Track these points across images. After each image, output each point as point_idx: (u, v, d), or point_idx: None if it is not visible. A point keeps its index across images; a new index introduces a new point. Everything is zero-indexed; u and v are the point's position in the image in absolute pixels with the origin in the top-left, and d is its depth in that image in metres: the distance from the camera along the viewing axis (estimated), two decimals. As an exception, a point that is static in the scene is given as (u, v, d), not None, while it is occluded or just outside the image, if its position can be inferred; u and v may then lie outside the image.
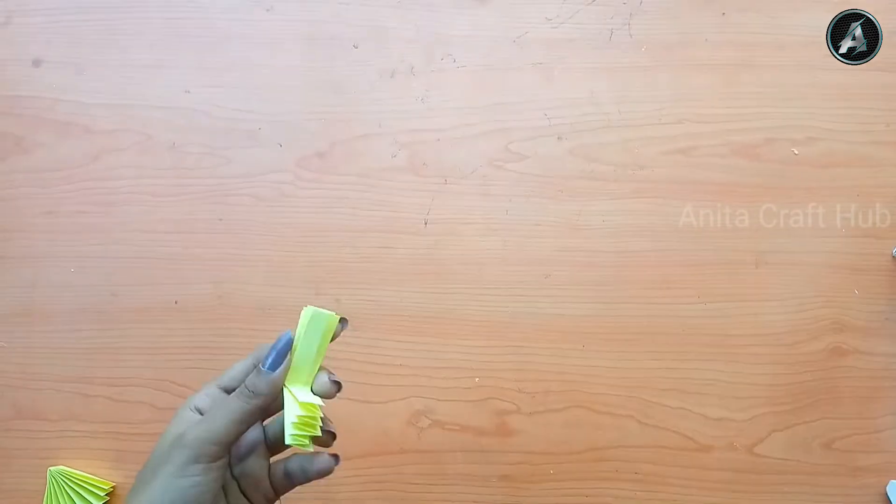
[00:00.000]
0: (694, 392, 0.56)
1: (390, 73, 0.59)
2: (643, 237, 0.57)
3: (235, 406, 0.35)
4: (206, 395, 0.37)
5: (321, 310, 0.37)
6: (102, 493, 0.55)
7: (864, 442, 0.55)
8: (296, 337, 0.37)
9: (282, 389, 0.36)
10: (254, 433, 0.39)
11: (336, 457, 0.38)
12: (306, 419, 0.36)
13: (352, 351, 0.57)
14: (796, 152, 0.57)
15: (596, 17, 0.59)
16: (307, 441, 0.36)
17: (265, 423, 0.40)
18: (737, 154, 0.57)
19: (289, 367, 0.36)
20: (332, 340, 0.38)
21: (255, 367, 0.36)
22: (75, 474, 0.55)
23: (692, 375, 0.56)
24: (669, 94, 0.58)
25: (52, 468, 0.55)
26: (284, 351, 0.36)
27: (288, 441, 0.35)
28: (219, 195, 0.58)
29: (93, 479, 0.55)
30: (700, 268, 0.57)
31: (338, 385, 0.38)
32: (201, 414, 0.36)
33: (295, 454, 0.39)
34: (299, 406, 0.36)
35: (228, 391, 0.37)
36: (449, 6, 0.59)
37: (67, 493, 0.55)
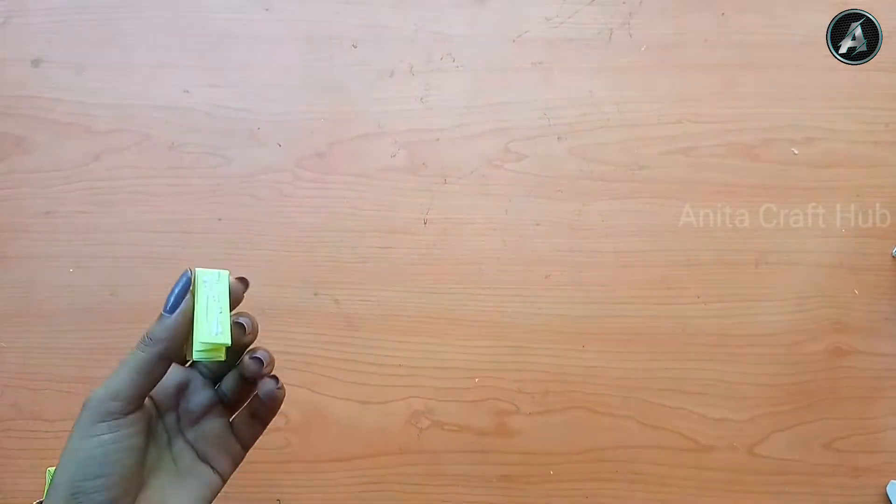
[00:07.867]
0: (694, 392, 0.56)
1: (389, 72, 0.59)
2: (643, 237, 0.57)
3: (134, 357, 0.34)
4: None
5: (208, 270, 0.36)
6: (102, 493, 0.55)
7: (864, 442, 0.55)
8: (192, 294, 0.35)
9: (187, 333, 0.35)
10: (204, 394, 0.38)
11: (275, 378, 0.37)
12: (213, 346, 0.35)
13: (351, 351, 0.57)
14: (796, 152, 0.57)
15: (595, 16, 0.59)
16: (216, 353, 0.35)
17: (222, 384, 0.39)
18: (736, 154, 0.57)
19: (190, 314, 0.35)
20: (236, 301, 0.37)
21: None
22: (74, 474, 0.55)
23: (692, 375, 0.56)
24: (669, 94, 0.58)
25: (51, 468, 0.55)
26: (182, 292, 0.35)
27: (195, 357, 0.35)
28: (218, 195, 0.58)
29: (92, 479, 0.55)
30: (700, 268, 0.57)
31: (245, 325, 0.37)
32: None
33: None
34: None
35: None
36: (448, 6, 0.59)
37: (67, 493, 0.54)
